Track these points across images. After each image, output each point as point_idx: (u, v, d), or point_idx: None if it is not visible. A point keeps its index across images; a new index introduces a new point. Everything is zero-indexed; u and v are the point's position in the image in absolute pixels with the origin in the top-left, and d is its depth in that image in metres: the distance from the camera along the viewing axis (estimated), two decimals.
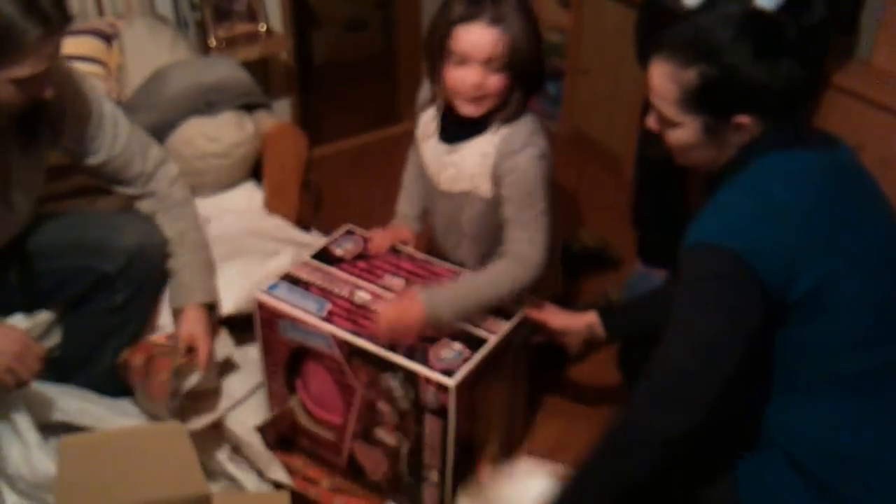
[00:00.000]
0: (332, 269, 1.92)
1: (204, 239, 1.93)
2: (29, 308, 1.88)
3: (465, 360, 1.67)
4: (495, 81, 1.65)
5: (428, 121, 1.88)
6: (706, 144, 1.39)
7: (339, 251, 1.97)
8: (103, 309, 1.87)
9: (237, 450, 1.88)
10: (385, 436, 1.81)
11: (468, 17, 1.61)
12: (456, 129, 1.79)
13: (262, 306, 1.84)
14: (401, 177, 2.06)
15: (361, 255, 1.96)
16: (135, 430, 1.74)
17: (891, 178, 2.29)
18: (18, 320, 1.85)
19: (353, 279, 1.89)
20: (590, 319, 1.80)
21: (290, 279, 1.88)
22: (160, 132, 2.07)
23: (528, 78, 1.69)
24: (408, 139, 2.03)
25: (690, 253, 1.34)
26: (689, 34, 1.36)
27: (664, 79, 1.36)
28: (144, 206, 1.88)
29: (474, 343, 1.72)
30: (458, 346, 1.71)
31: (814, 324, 1.33)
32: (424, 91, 1.88)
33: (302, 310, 1.79)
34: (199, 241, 1.91)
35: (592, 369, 2.30)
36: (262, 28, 2.70)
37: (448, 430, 1.69)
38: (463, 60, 1.64)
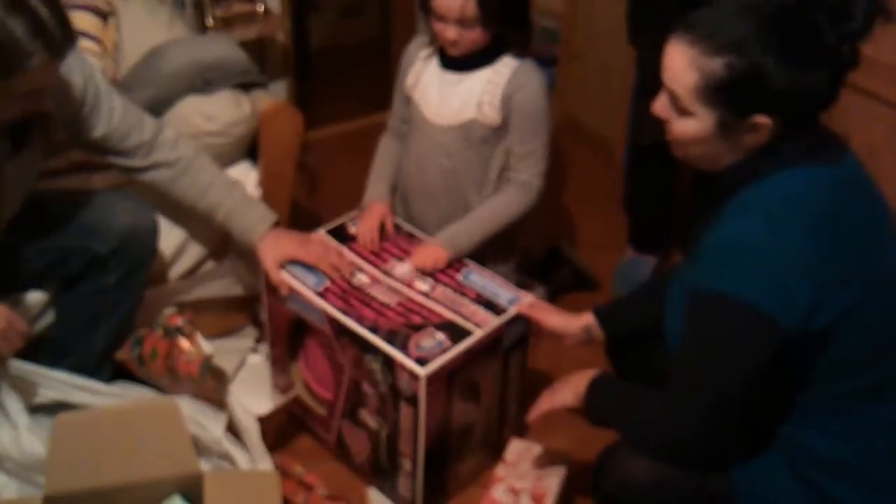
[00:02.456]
0: (342, 248, 1.94)
1: (230, 178, 1.95)
2: (24, 287, 1.88)
3: (444, 350, 1.68)
4: (471, 36, 1.80)
5: (420, 68, 1.97)
6: (716, 141, 1.32)
7: (353, 229, 2.00)
8: (95, 290, 1.87)
9: (236, 432, 1.89)
10: (368, 418, 1.82)
11: None
12: (462, 60, 1.89)
13: (267, 282, 1.88)
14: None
15: None
16: (128, 407, 1.74)
17: (877, 164, 2.31)
18: (19, 298, 1.86)
19: (358, 260, 1.92)
20: (586, 321, 1.78)
21: None
22: (156, 110, 2.05)
23: (506, 29, 1.85)
24: None
25: (708, 301, 1.29)
26: (718, 20, 1.27)
27: (685, 64, 1.27)
28: (158, 176, 1.88)
29: (459, 335, 1.72)
30: (440, 335, 1.71)
31: (827, 348, 1.31)
32: (416, 44, 2.00)
33: (301, 282, 1.82)
34: (229, 180, 1.93)
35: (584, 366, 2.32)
36: (260, 9, 2.70)
37: (419, 419, 1.69)
38: (440, 17, 1.79)
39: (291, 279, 1.83)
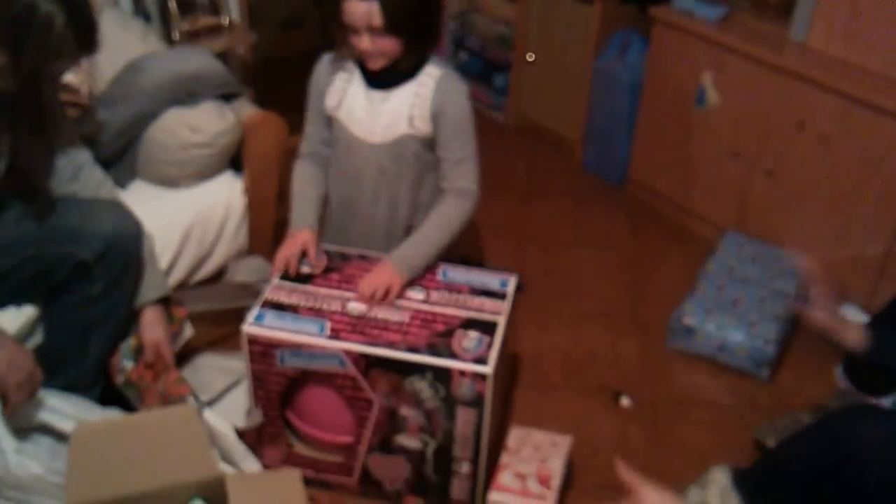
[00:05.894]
0: (310, 287, 1.87)
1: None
2: (13, 301, 1.86)
3: (489, 345, 1.73)
4: (384, 44, 1.79)
5: (341, 87, 1.92)
6: None
7: (305, 269, 1.92)
8: (82, 299, 1.85)
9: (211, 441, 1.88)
10: (407, 441, 1.82)
11: None
12: (385, 77, 1.87)
13: (253, 340, 1.77)
14: None
15: (330, 268, 1.93)
16: (146, 415, 1.74)
17: (829, 152, 2.47)
18: (9, 315, 1.84)
19: (336, 293, 1.86)
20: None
21: (273, 305, 1.82)
22: (140, 123, 2.07)
23: (419, 35, 1.83)
24: None
25: None
26: None
27: None
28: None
29: (488, 327, 1.77)
30: (473, 333, 1.76)
31: None
32: (328, 62, 1.94)
33: (304, 334, 1.75)
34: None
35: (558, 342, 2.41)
36: (226, 21, 2.71)
37: (484, 417, 1.74)
38: (353, 29, 1.78)
39: (290, 335, 1.75)
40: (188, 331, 2.03)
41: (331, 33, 1.86)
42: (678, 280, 2.66)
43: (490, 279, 1.93)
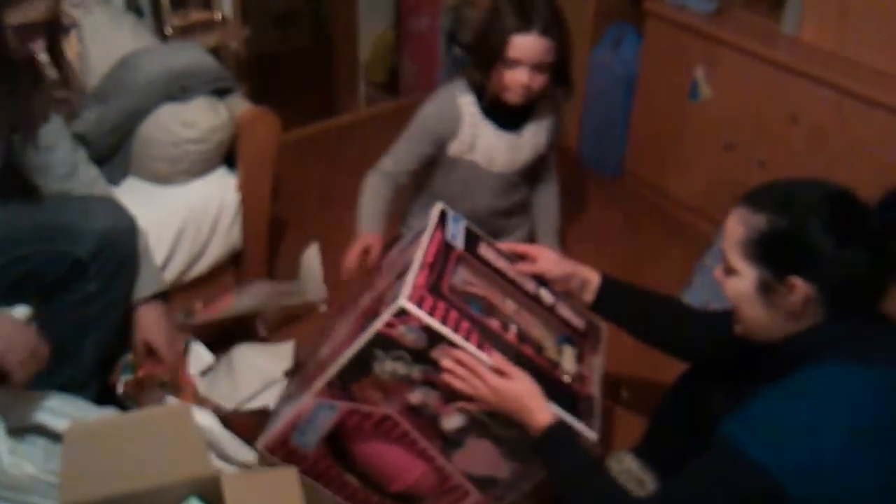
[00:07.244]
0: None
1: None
2: (7, 300, 1.84)
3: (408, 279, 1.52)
4: (540, 81, 1.87)
5: (470, 131, 1.98)
6: (759, 302, 1.35)
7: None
8: (77, 298, 1.84)
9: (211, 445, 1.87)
10: (452, 420, 1.61)
11: (523, 28, 1.79)
12: (512, 117, 2.00)
13: (271, 450, 1.76)
14: (343, 170, 2.25)
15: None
16: (140, 414, 1.73)
17: (823, 145, 2.47)
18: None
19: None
20: (587, 277, 1.76)
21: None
22: (132, 119, 2.05)
23: (563, 75, 1.94)
24: (349, 131, 2.05)
25: (729, 453, 1.28)
26: (777, 188, 1.37)
27: (736, 221, 1.37)
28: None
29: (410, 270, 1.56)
30: (399, 282, 1.54)
31: None
32: (452, 101, 1.96)
33: (293, 414, 1.69)
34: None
35: None
36: (218, 16, 2.70)
37: (462, 348, 1.49)
38: (514, 64, 1.82)
39: (285, 423, 1.70)
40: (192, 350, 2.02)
41: (479, 65, 1.90)
42: (675, 272, 2.66)
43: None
